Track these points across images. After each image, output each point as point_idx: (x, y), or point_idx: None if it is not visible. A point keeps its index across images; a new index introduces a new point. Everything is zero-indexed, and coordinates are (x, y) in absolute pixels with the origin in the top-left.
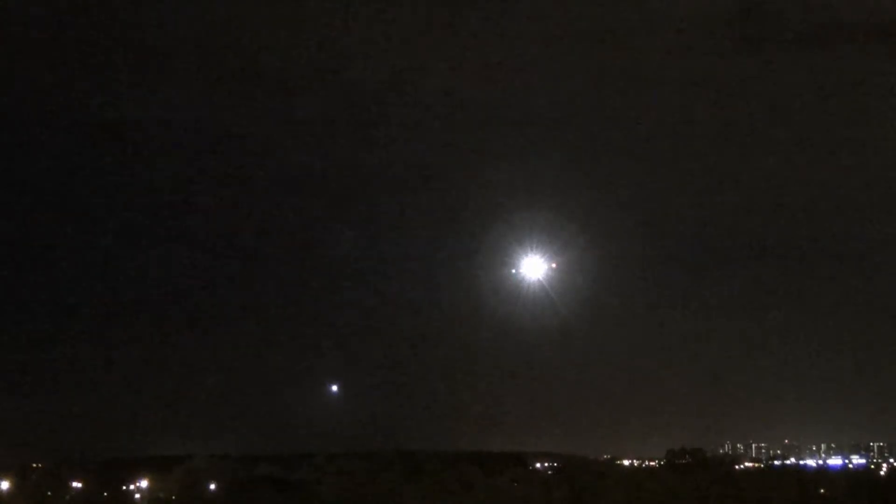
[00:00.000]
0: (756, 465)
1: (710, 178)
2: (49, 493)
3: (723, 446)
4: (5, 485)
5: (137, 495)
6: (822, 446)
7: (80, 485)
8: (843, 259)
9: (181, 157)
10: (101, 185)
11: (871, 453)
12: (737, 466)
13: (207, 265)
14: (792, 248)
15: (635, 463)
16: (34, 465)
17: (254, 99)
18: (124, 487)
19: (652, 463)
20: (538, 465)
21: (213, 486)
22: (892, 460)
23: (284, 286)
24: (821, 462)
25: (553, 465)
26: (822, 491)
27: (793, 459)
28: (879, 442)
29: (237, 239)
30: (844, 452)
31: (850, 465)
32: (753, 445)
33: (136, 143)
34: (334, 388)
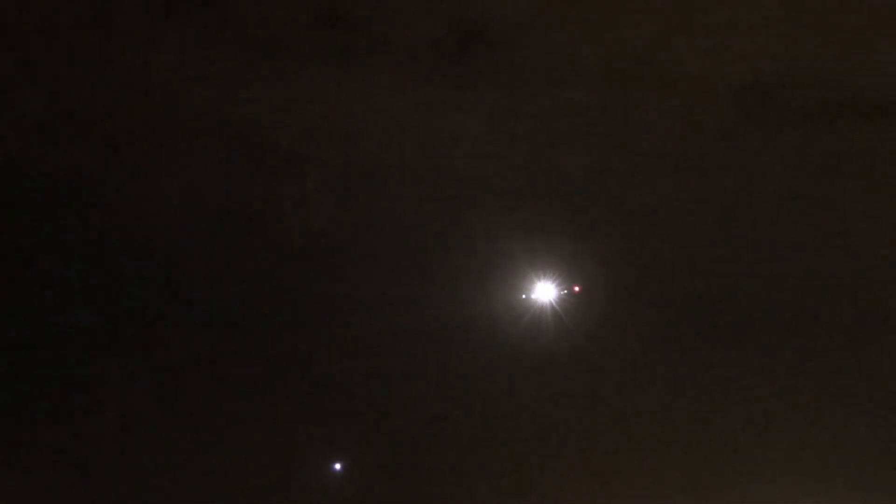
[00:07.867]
0: None
1: (715, 252)
2: None
3: None
4: None
5: None
6: None
7: None
8: (851, 335)
9: (177, 229)
10: (92, 258)
11: None
12: None
13: (205, 338)
14: (798, 321)
15: None
16: None
17: (256, 172)
18: None
19: None
20: None
21: None
22: None
23: (285, 359)
24: None
25: None
26: None
27: None
28: None
29: (237, 312)
30: None
31: None
32: None
33: (128, 213)
34: (337, 465)
